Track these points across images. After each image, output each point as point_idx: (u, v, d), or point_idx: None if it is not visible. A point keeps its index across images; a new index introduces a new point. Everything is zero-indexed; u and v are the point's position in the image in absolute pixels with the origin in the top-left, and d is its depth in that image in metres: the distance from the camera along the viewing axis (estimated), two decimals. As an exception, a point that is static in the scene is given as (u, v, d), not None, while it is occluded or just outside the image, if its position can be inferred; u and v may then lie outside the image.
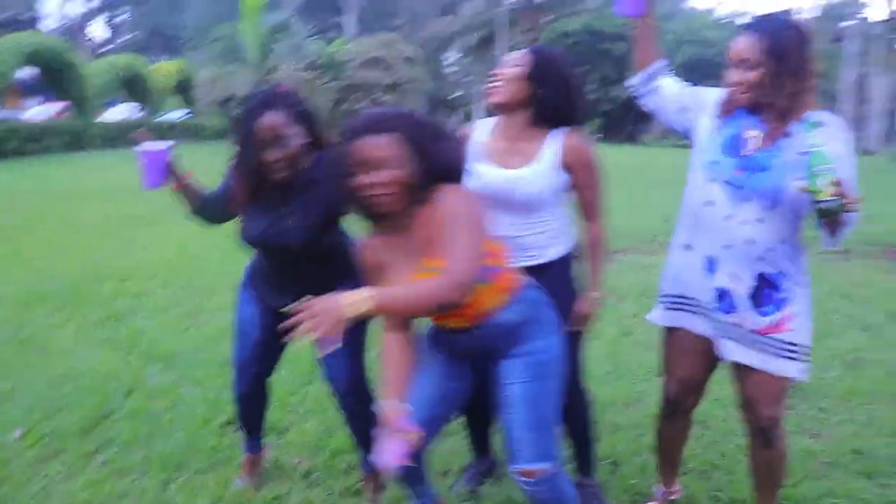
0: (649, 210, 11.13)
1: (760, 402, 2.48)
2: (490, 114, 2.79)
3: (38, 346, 4.71)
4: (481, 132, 2.73)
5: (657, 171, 18.30)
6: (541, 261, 2.65)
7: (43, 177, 15.43)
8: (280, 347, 2.90)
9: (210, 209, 2.77)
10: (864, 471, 3.20)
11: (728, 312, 2.43)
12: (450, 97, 55.33)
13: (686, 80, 2.49)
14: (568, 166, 2.61)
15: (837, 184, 1.98)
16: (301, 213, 2.56)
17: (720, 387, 3.19)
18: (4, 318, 5.28)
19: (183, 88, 32.11)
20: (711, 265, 2.43)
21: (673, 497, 2.96)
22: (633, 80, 2.67)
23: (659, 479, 2.97)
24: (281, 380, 4.05)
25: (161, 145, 2.62)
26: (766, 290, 2.37)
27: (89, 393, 3.90)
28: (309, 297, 1.93)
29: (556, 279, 2.62)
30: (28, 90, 27.93)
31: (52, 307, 5.58)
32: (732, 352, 2.47)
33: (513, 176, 2.58)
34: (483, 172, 2.59)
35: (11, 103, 25.79)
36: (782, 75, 2.25)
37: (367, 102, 29.66)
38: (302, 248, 2.58)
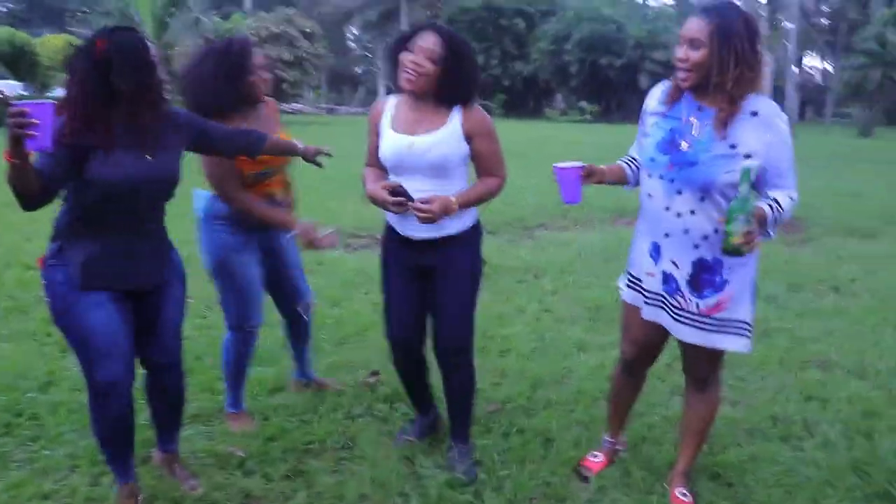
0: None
1: (699, 365, 2.76)
2: (391, 91, 3.02)
3: (-61, 341, 4.43)
4: (391, 106, 2.94)
5: (565, 145, 18.66)
6: (448, 231, 2.86)
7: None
8: (144, 331, 2.66)
9: (46, 188, 2.34)
10: (781, 435, 3.39)
11: (671, 294, 2.62)
12: (353, 72, 54.74)
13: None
14: (469, 135, 2.82)
15: (749, 233, 2.27)
16: (168, 152, 2.56)
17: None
18: None
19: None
20: (657, 250, 2.63)
21: (618, 448, 3.14)
22: (630, 188, 2.91)
23: (607, 430, 3.15)
24: (204, 367, 3.98)
25: (45, 102, 2.16)
26: (703, 276, 2.54)
27: (1, 390, 3.70)
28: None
29: (461, 249, 2.93)
30: None
31: (-50, 300, 5.27)
32: (679, 332, 2.64)
33: (421, 141, 2.78)
34: (394, 139, 2.83)
35: None
36: (727, 58, 2.34)
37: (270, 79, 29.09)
38: (172, 187, 2.60)
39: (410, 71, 2.71)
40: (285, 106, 33.45)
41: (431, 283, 2.95)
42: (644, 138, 2.67)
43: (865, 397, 3.77)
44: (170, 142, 2.58)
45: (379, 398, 3.66)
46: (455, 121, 2.80)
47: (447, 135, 2.79)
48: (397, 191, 2.76)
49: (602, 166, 2.78)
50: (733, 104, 2.39)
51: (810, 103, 60.99)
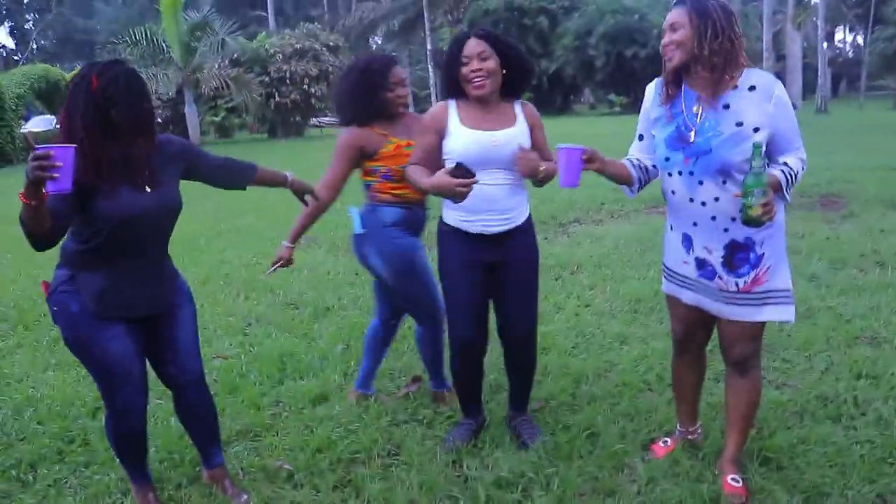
0: (594, 178, 11.22)
1: (737, 341, 2.72)
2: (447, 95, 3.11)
3: (-9, 374, 4.54)
4: (454, 107, 3.04)
5: (593, 140, 18.50)
6: (517, 223, 3.04)
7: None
8: (161, 352, 2.81)
9: (55, 227, 2.36)
10: (831, 415, 3.32)
11: (709, 279, 2.65)
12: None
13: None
14: (531, 127, 3.06)
15: (767, 204, 2.31)
16: (166, 182, 2.63)
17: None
18: (-50, 348, 5.06)
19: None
20: (688, 241, 2.67)
21: (692, 437, 3.12)
22: (633, 194, 2.95)
23: (677, 420, 3.16)
24: (247, 383, 4.03)
25: (68, 145, 2.20)
26: (738, 255, 2.58)
27: (51, 418, 3.78)
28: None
29: (525, 239, 3.11)
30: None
31: (0, 333, 5.39)
32: (722, 311, 2.67)
33: (504, 135, 2.94)
34: (475, 136, 2.94)
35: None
36: (706, 30, 2.44)
37: (298, 94, 29.39)
38: (175, 215, 2.70)
39: (477, 78, 2.90)
40: (315, 120, 33.79)
41: (498, 275, 3.09)
42: (652, 140, 2.73)
43: (918, 372, 3.68)
44: (167, 171, 2.65)
45: (423, 404, 3.67)
46: (521, 116, 3.04)
47: (522, 129, 3.01)
48: (458, 173, 2.75)
49: (604, 157, 2.75)
50: (717, 73, 2.47)
51: (844, 78, 59.83)
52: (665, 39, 2.54)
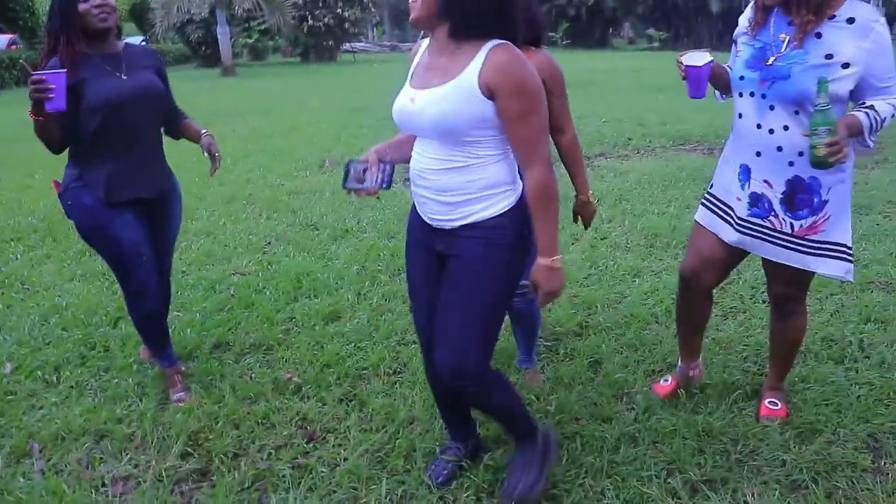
0: (623, 114, 11.11)
1: (779, 284, 2.70)
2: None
3: (20, 283, 4.69)
4: (423, 50, 2.23)
5: (629, 75, 18.20)
6: (466, 220, 2.13)
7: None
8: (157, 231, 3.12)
9: (64, 129, 2.77)
10: (834, 357, 3.34)
11: (763, 217, 2.54)
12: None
13: None
14: (490, 90, 1.97)
15: (833, 143, 2.16)
16: (140, 71, 2.94)
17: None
18: (-19, 255, 5.23)
19: (137, 14, 30.96)
20: (745, 172, 2.56)
21: (691, 374, 3.08)
22: (723, 99, 2.78)
23: (679, 356, 3.11)
24: (264, 299, 4.13)
25: (59, 71, 2.54)
26: (799, 196, 2.46)
27: (75, 325, 3.92)
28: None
29: (478, 243, 2.13)
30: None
31: (30, 244, 5.53)
32: (771, 252, 2.58)
33: (422, 96, 2.07)
34: (402, 93, 2.18)
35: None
36: None
37: (331, 18, 29.00)
38: (157, 100, 2.97)
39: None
40: (347, 45, 33.42)
41: (443, 275, 2.22)
42: (734, 58, 2.61)
43: (928, 317, 3.67)
44: (143, 65, 2.98)
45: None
46: (472, 68, 1.98)
47: (454, 88, 2.00)
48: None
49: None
50: (819, 13, 2.30)
51: None
52: None
